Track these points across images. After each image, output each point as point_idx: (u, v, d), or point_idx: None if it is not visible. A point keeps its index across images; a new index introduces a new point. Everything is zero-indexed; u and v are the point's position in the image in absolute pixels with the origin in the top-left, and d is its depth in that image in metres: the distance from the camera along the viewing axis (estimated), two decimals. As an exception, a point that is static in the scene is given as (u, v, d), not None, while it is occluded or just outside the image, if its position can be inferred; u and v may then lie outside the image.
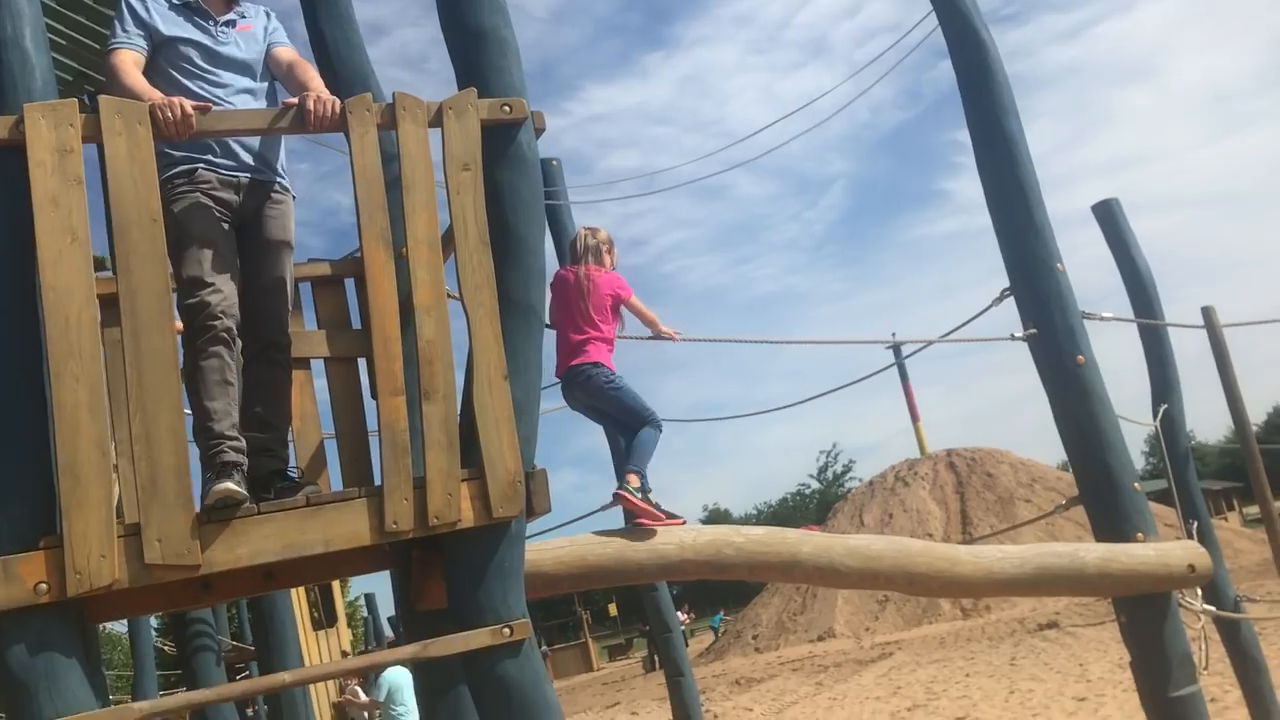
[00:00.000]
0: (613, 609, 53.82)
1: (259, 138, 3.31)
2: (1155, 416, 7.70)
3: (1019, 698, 11.22)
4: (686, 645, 35.83)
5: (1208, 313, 5.45)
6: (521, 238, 3.13)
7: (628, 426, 4.48)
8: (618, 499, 4.10)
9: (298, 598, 11.80)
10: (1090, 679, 11.34)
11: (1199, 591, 5.61)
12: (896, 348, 43.06)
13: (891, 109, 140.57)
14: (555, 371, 4.59)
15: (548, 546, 3.85)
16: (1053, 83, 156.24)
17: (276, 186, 3.40)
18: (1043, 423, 5.44)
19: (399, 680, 11.88)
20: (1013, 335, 5.19)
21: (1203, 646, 6.36)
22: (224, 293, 3.08)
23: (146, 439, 2.65)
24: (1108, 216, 8.03)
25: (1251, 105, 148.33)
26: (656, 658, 34.12)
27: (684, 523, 4.22)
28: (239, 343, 3.19)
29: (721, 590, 55.72)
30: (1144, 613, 4.82)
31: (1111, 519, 4.93)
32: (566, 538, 3.92)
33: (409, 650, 2.98)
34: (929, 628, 24.35)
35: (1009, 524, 28.43)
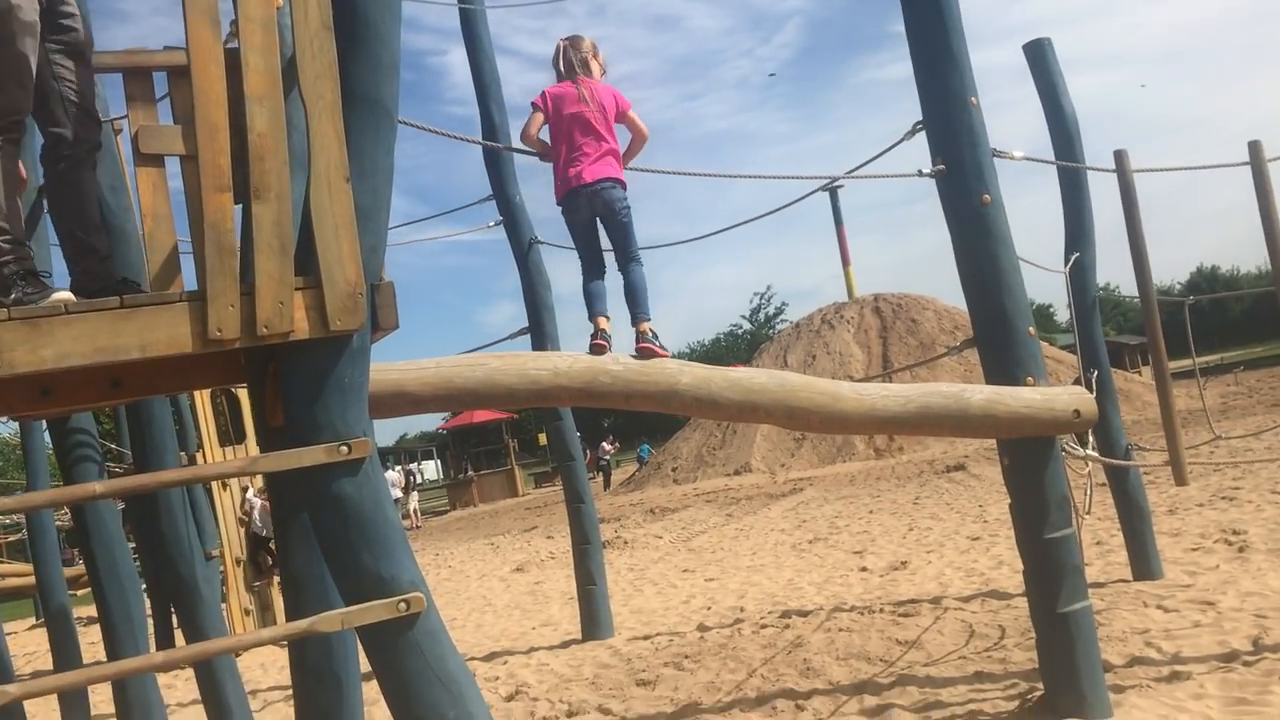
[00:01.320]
0: (542, 438, 54.38)
1: None
2: (1066, 264, 7.68)
3: (916, 535, 11.55)
4: (612, 475, 36.46)
5: (1119, 156, 5.32)
6: (371, 24, 2.84)
7: (616, 253, 4.58)
8: (648, 351, 4.19)
9: (203, 409, 11.61)
10: (987, 520, 11.69)
11: (1091, 439, 5.69)
12: (833, 191, 42.83)
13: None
14: (557, 191, 4.56)
15: (412, 366, 3.69)
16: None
17: None
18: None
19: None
20: (920, 171, 5.02)
21: (1088, 492, 6.49)
22: (30, 92, 2.86)
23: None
24: (1038, 57, 7.80)
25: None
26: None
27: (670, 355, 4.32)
28: None
29: (650, 422, 56.68)
30: (1027, 456, 4.84)
31: (1003, 362, 4.90)
32: (433, 359, 3.76)
33: (234, 465, 2.83)
34: (842, 466, 25.00)
35: (929, 369, 29.00)
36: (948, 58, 4.94)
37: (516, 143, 4.78)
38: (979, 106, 4.99)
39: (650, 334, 4.32)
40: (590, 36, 4.78)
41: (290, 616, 3.34)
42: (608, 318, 4.47)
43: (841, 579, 9.53)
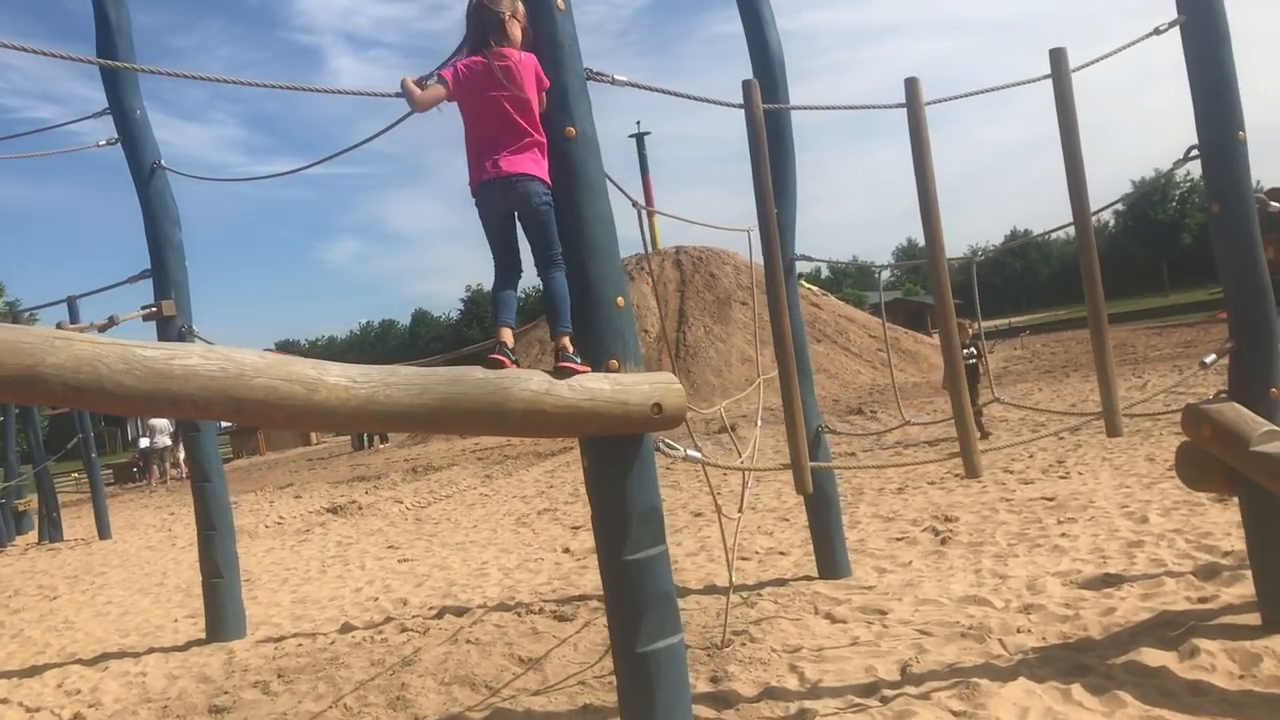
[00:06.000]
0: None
1: None
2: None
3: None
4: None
5: (748, 87, 4.35)
6: None
7: (535, 255, 3.87)
8: (566, 370, 3.66)
9: None
10: (731, 495, 10.96)
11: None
12: (639, 138, 41.94)
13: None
14: (470, 181, 3.80)
15: None
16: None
17: None
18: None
19: None
20: (495, 92, 3.91)
21: (746, 488, 5.61)
22: None
23: None
24: (744, -16, 6.82)
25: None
26: (364, 436, 33.13)
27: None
28: None
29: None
30: (605, 458, 3.86)
31: (584, 340, 3.87)
32: None
33: None
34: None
35: (723, 325, 28.48)
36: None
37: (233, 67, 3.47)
38: (569, 13, 3.92)
39: (569, 350, 3.73)
40: None
41: None
42: (512, 329, 3.84)
43: (535, 564, 8.55)
